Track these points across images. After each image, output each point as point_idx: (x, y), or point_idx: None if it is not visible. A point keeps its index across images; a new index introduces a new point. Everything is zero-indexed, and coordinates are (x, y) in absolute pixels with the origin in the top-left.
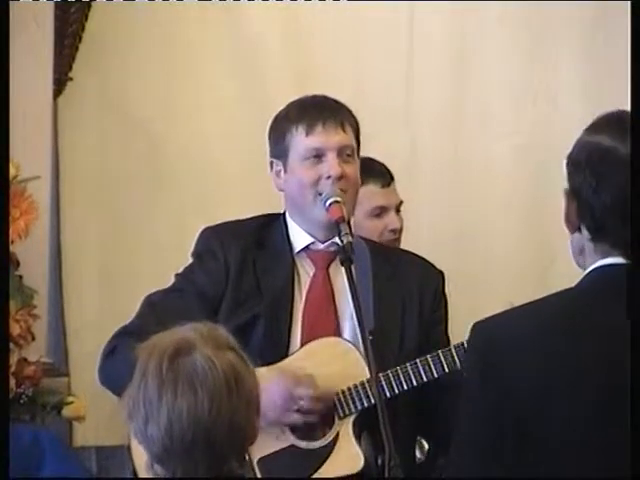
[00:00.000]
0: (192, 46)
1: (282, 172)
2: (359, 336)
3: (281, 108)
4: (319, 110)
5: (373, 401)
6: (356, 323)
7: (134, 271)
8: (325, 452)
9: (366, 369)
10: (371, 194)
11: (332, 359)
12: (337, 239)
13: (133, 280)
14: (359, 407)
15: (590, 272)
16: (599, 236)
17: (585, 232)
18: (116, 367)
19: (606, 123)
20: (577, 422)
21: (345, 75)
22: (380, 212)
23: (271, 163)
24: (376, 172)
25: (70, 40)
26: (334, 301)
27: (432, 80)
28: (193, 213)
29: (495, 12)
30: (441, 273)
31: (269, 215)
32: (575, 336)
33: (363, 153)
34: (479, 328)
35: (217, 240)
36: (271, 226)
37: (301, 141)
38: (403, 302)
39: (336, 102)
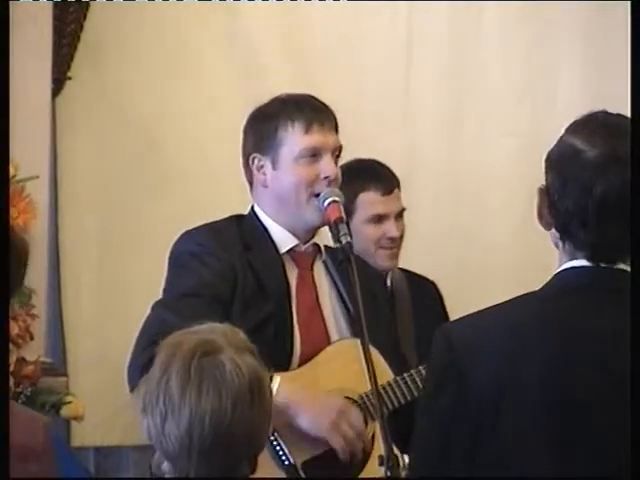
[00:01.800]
0: (191, 46)
1: (269, 168)
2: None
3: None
4: (315, 109)
5: (403, 401)
6: (341, 323)
7: (132, 271)
8: (365, 454)
9: (388, 369)
10: (371, 201)
11: (356, 360)
12: (316, 239)
13: (131, 280)
14: (390, 408)
15: (557, 274)
16: (564, 237)
17: (554, 231)
18: None
19: (582, 125)
20: (531, 425)
21: (344, 76)
22: (379, 219)
23: (253, 158)
24: (379, 178)
25: (69, 40)
26: (319, 302)
27: (431, 81)
28: (192, 213)
29: (494, 12)
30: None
31: (237, 216)
32: (537, 338)
33: (362, 154)
34: (441, 330)
35: (213, 241)
36: (247, 227)
37: (298, 139)
38: (372, 302)
39: (322, 102)
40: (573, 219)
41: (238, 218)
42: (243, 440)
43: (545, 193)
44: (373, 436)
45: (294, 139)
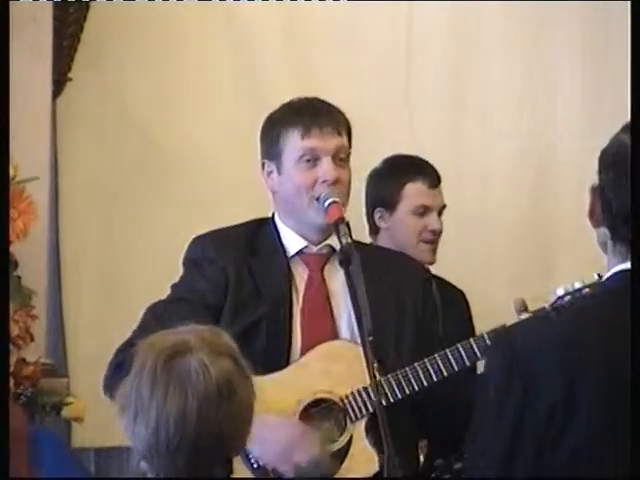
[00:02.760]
0: (191, 46)
1: (275, 174)
2: (357, 338)
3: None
4: (315, 113)
5: (385, 403)
6: (354, 325)
7: (132, 271)
8: (340, 455)
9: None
10: (418, 192)
11: (339, 362)
12: (330, 241)
13: (131, 280)
14: (370, 410)
15: (609, 277)
16: (617, 237)
17: (605, 230)
18: None
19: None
20: (600, 423)
21: (344, 75)
22: (423, 211)
23: (263, 164)
24: (426, 171)
25: (69, 41)
26: (330, 303)
27: (432, 80)
28: (192, 213)
29: (495, 12)
30: (429, 272)
31: (258, 220)
32: (598, 342)
33: (362, 155)
34: (501, 335)
35: (213, 248)
36: (262, 231)
37: (297, 144)
38: (396, 304)
39: (330, 105)
40: (627, 219)
41: (259, 222)
42: (211, 443)
43: (599, 192)
44: (351, 437)
45: (293, 144)
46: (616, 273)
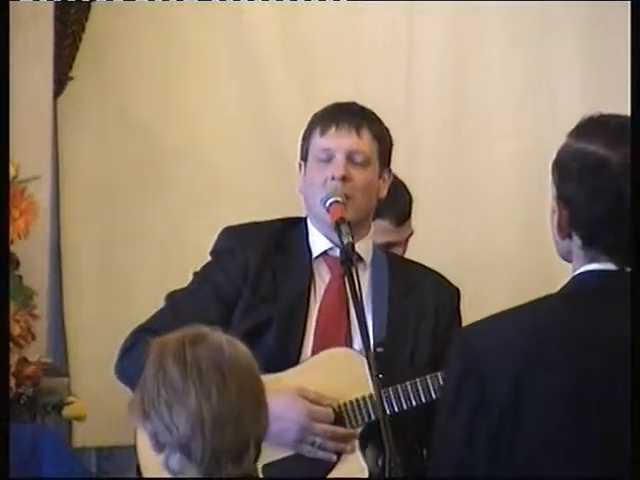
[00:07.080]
0: (192, 46)
1: (303, 174)
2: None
3: (280, 108)
4: (337, 113)
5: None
6: (370, 333)
7: (134, 271)
8: (330, 462)
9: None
10: (384, 230)
11: (340, 370)
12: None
13: (133, 280)
14: (366, 419)
15: (575, 277)
16: (591, 243)
17: (576, 239)
18: (136, 363)
19: (597, 129)
20: (552, 427)
21: (345, 76)
22: (387, 245)
23: (299, 165)
24: (395, 209)
25: (70, 40)
26: (348, 310)
27: (432, 81)
28: (193, 213)
29: (495, 12)
30: (457, 290)
31: (292, 218)
32: (557, 341)
33: None
34: (460, 336)
35: (237, 240)
36: (293, 229)
37: (316, 142)
38: (417, 317)
39: (362, 108)
40: (606, 225)
41: (292, 220)
42: (249, 415)
43: (565, 203)
44: None
45: (313, 143)
46: (584, 272)
